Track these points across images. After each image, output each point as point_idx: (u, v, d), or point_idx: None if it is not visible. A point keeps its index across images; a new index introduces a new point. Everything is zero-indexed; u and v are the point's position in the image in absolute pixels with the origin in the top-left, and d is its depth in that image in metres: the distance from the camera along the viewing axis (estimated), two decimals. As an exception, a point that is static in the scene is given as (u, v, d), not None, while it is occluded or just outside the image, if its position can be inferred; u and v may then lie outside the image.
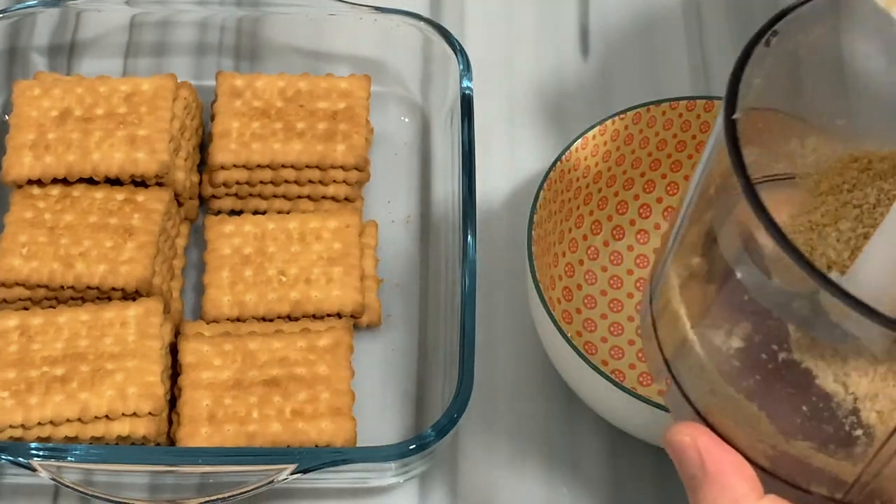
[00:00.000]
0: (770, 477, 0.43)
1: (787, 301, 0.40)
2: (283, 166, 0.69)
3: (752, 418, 0.42)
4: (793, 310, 0.40)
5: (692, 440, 0.43)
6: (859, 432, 0.40)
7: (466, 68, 0.70)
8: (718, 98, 0.64)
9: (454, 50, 0.71)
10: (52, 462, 0.58)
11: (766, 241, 0.38)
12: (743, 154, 0.39)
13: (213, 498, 0.60)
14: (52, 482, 0.60)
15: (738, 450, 0.43)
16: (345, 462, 0.59)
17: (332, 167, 0.69)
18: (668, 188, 0.71)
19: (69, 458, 0.58)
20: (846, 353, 0.39)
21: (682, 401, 0.45)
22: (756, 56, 0.42)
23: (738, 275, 0.41)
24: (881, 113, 0.47)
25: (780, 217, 0.45)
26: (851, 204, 0.46)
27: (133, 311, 0.64)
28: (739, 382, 0.42)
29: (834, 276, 0.42)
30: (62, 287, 0.65)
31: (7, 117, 0.70)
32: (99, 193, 0.68)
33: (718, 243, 0.42)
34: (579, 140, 0.67)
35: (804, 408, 0.41)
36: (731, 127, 0.40)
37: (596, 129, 0.67)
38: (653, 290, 0.48)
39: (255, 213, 0.71)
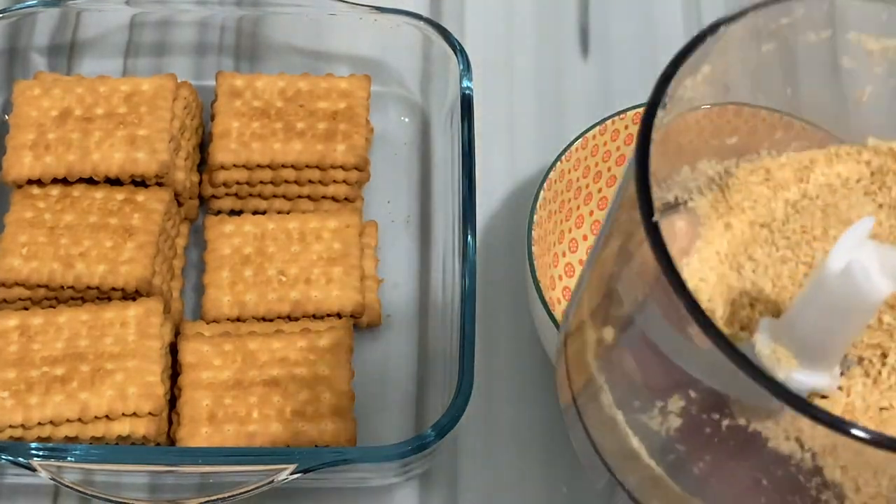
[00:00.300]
0: None
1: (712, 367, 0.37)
2: (283, 166, 0.69)
3: None
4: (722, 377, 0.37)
5: None
6: (827, 495, 0.36)
7: (466, 68, 0.70)
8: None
9: (454, 50, 0.71)
10: (52, 462, 0.58)
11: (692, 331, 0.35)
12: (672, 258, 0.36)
13: (213, 498, 0.60)
14: (52, 482, 0.60)
15: None
16: (345, 462, 0.59)
17: (332, 167, 0.69)
18: (668, 188, 0.71)
19: (69, 458, 0.58)
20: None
21: None
22: (655, 127, 0.39)
23: (658, 345, 0.38)
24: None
25: (687, 257, 0.42)
26: (757, 223, 0.42)
27: (133, 311, 0.64)
28: (691, 471, 0.39)
29: (764, 321, 0.39)
30: (62, 287, 0.65)
31: (7, 117, 0.70)
32: (99, 193, 0.68)
33: (634, 310, 0.39)
34: (579, 140, 0.67)
35: (764, 482, 0.37)
36: (653, 230, 0.36)
37: (596, 129, 0.67)
38: (568, 368, 0.44)
39: (255, 213, 0.71)
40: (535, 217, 0.64)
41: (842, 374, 0.39)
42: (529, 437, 0.66)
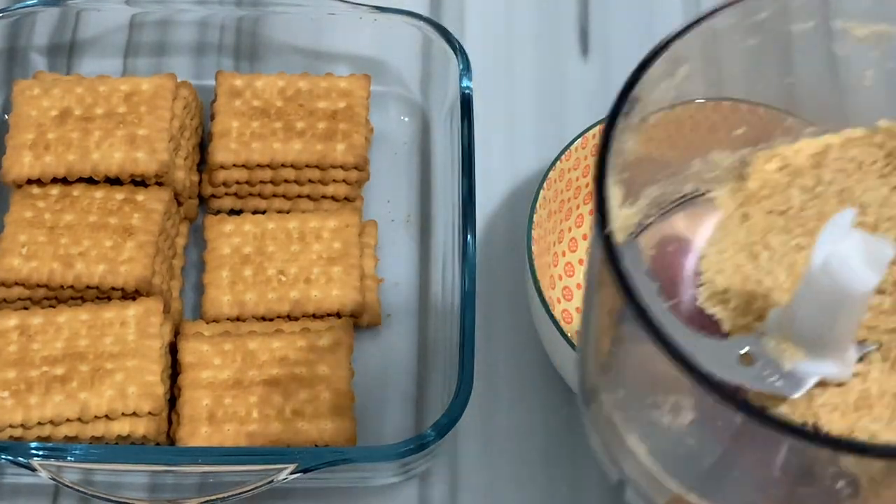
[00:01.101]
0: None
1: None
2: (283, 166, 0.69)
3: None
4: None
5: None
6: (842, 483, 0.36)
7: (466, 68, 0.70)
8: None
9: (454, 49, 0.71)
10: (52, 462, 0.58)
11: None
12: (639, 297, 0.35)
13: (212, 498, 0.60)
14: (52, 482, 0.60)
15: None
16: (345, 462, 0.59)
17: (332, 167, 0.69)
18: (668, 188, 0.71)
19: (69, 458, 0.58)
20: (811, 390, 0.37)
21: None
22: (619, 129, 0.39)
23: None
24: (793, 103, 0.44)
25: (703, 247, 0.42)
26: (775, 212, 0.43)
27: (133, 310, 0.64)
28: (704, 463, 0.39)
29: (773, 312, 0.39)
30: (62, 287, 0.65)
31: (7, 117, 0.70)
32: (98, 193, 0.68)
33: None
34: (579, 139, 0.67)
35: (778, 473, 0.37)
36: (610, 250, 0.36)
37: (596, 129, 0.67)
38: (584, 389, 0.44)
39: (255, 212, 0.71)
40: (534, 216, 0.63)
41: (861, 359, 0.38)
42: (529, 437, 0.66)
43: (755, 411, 0.34)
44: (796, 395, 0.37)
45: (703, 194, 0.44)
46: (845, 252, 0.35)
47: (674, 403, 0.38)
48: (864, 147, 0.44)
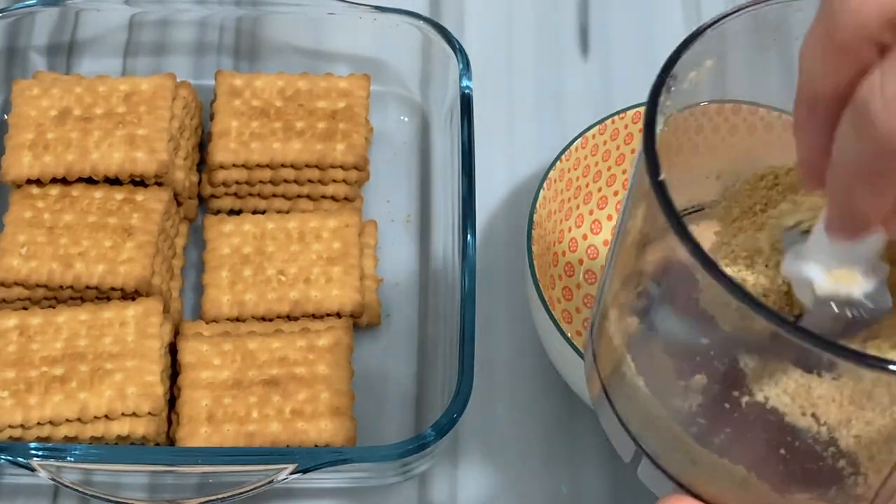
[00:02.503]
0: None
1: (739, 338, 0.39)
2: (283, 166, 0.69)
3: (741, 481, 0.41)
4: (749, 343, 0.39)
5: None
6: (843, 463, 0.39)
7: (466, 68, 0.70)
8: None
9: (454, 49, 0.71)
10: (52, 462, 0.58)
11: (712, 291, 0.37)
12: (678, 212, 0.38)
13: (212, 498, 0.60)
14: (52, 482, 0.60)
15: None
16: (345, 462, 0.59)
17: (332, 166, 0.69)
18: (668, 188, 0.71)
19: (68, 458, 0.58)
20: (808, 382, 0.38)
21: (661, 475, 0.43)
22: (660, 107, 0.40)
23: (682, 324, 0.40)
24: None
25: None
26: (769, 225, 0.44)
27: (132, 310, 0.64)
28: (713, 441, 0.41)
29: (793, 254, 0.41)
30: (61, 287, 0.65)
31: (6, 117, 0.70)
32: (98, 193, 0.68)
33: (654, 294, 0.41)
34: (579, 139, 0.67)
35: (782, 451, 0.39)
36: (660, 188, 0.38)
37: (596, 129, 0.67)
38: (595, 358, 0.46)
39: (255, 212, 0.71)
40: (534, 216, 0.63)
41: None
42: (529, 437, 0.66)
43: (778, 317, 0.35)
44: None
45: (700, 209, 0.46)
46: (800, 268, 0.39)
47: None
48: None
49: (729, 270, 0.43)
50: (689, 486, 0.43)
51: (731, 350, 0.39)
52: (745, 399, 0.39)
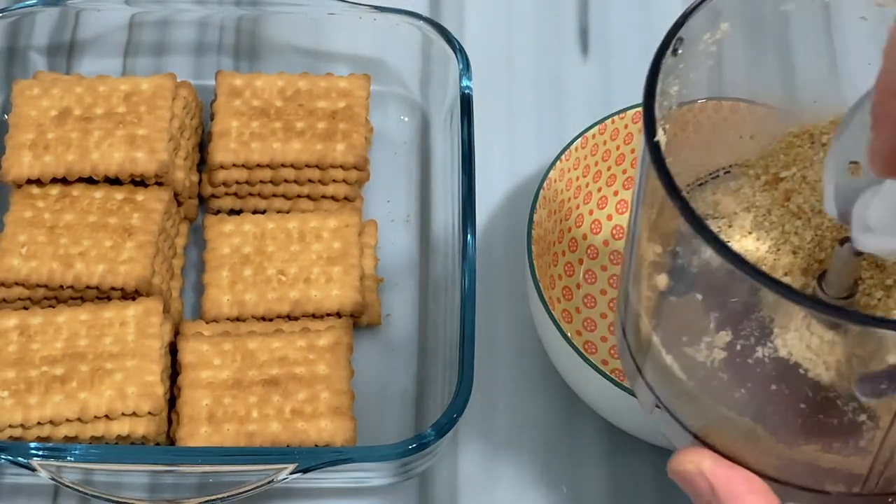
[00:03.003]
0: (783, 485, 0.42)
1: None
2: (283, 165, 0.69)
3: (751, 434, 0.41)
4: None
5: (696, 466, 0.42)
6: (863, 417, 0.39)
7: (466, 68, 0.70)
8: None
9: (454, 49, 0.71)
10: (52, 462, 0.58)
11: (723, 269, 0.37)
12: (676, 183, 0.38)
13: (212, 498, 0.60)
14: (52, 482, 0.60)
15: (744, 465, 0.42)
16: (345, 462, 0.59)
17: (332, 166, 0.69)
18: (668, 188, 0.71)
19: (69, 458, 0.58)
20: (834, 339, 0.39)
21: (679, 428, 0.44)
22: (666, 67, 0.41)
23: (707, 281, 0.40)
24: (816, 85, 0.46)
25: (743, 219, 0.45)
26: (809, 183, 0.45)
27: (132, 310, 0.64)
28: (731, 396, 0.41)
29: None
30: (61, 287, 0.65)
31: (6, 117, 0.70)
32: (98, 193, 0.68)
33: (678, 256, 0.41)
34: (579, 139, 0.67)
35: (802, 405, 0.40)
36: (655, 150, 0.39)
37: (596, 128, 0.67)
38: (623, 322, 0.46)
39: (255, 212, 0.71)
40: (534, 216, 0.63)
41: None
42: (529, 437, 0.66)
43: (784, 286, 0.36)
44: None
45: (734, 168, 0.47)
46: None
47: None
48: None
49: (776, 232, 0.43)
50: (705, 438, 0.43)
51: (756, 309, 0.40)
52: (769, 354, 0.40)
